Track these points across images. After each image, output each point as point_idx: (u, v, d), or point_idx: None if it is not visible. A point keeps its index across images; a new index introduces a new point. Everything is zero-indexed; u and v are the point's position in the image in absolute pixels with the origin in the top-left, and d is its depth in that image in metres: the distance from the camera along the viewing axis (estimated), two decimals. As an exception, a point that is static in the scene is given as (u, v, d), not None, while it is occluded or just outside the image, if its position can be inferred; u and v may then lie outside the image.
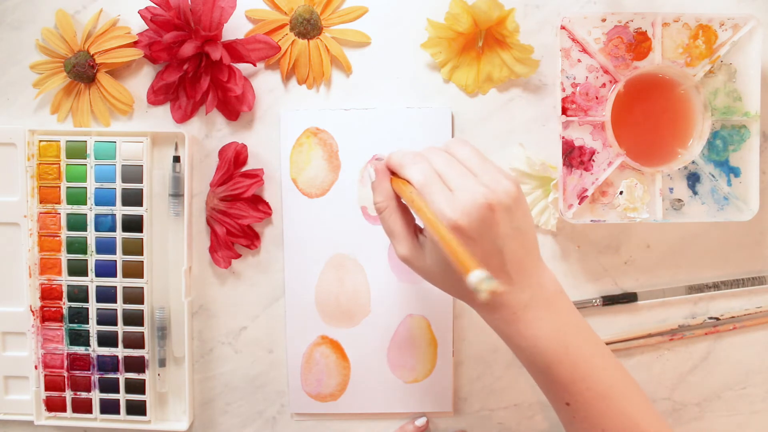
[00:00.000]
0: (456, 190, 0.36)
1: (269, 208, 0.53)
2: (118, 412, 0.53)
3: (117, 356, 0.52)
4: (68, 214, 0.52)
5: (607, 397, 0.38)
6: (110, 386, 0.52)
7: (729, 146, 0.50)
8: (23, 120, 0.53)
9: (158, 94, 0.52)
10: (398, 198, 0.40)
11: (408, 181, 0.38)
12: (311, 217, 0.53)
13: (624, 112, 0.49)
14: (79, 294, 0.52)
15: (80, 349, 0.52)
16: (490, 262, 0.36)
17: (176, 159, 0.52)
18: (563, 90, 0.49)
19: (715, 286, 0.53)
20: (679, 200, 0.50)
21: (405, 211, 0.40)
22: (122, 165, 0.52)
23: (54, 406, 0.53)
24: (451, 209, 0.35)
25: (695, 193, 0.50)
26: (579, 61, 0.50)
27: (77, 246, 0.52)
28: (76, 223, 0.52)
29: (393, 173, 0.41)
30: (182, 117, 0.53)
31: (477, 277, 0.31)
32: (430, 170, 0.37)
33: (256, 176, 0.52)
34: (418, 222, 0.40)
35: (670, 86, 0.50)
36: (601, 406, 0.38)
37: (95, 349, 0.52)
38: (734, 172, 0.50)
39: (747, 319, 0.53)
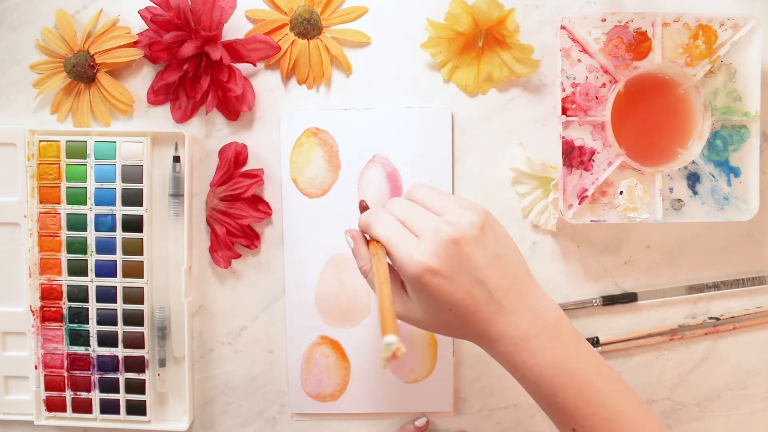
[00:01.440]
0: (421, 234, 0.36)
1: (269, 208, 0.53)
2: (118, 412, 0.53)
3: (117, 356, 0.52)
4: (68, 214, 0.52)
5: (613, 421, 0.37)
6: (110, 386, 0.52)
7: (729, 146, 0.50)
8: (23, 120, 0.53)
9: (158, 94, 0.52)
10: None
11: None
12: (311, 217, 0.53)
13: (624, 112, 0.49)
14: (79, 294, 0.52)
15: (80, 349, 0.52)
16: (476, 296, 0.36)
17: (176, 159, 0.52)
18: (563, 90, 0.49)
19: (715, 286, 0.53)
20: (679, 200, 0.50)
21: (390, 268, 0.40)
22: (122, 165, 0.52)
23: (54, 406, 0.53)
24: (419, 253, 0.35)
25: (695, 193, 0.50)
26: (579, 61, 0.50)
27: (77, 246, 0.52)
28: (76, 223, 0.52)
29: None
30: (182, 117, 0.53)
31: (383, 343, 0.32)
32: (393, 222, 0.38)
33: (256, 176, 0.52)
34: None
35: (670, 86, 0.50)
36: (607, 431, 0.37)
37: (95, 349, 0.52)
38: (734, 172, 0.50)
39: (747, 319, 0.53)
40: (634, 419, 0.38)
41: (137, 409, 0.53)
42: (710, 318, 0.53)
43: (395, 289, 0.39)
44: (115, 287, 0.52)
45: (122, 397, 0.52)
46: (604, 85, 0.50)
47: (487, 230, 0.37)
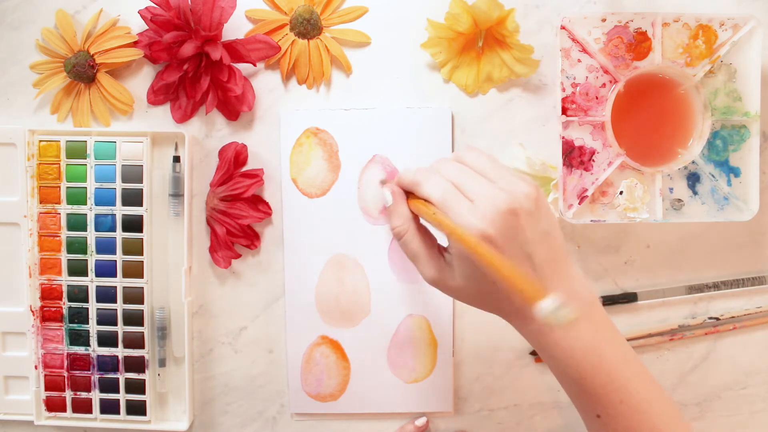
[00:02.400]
0: (476, 200, 0.35)
1: (269, 208, 0.53)
2: (118, 412, 0.53)
3: (117, 356, 0.52)
4: (68, 214, 0.52)
5: (639, 411, 0.37)
6: (110, 386, 0.52)
7: (729, 146, 0.50)
8: (23, 120, 0.53)
9: (158, 94, 0.52)
10: (416, 219, 0.39)
11: (425, 200, 0.37)
12: (311, 217, 0.53)
13: (624, 112, 0.49)
14: (79, 294, 0.52)
15: (80, 349, 0.52)
16: (521, 268, 0.35)
17: (176, 159, 0.52)
18: (563, 90, 0.49)
19: (715, 286, 0.53)
20: (679, 200, 0.50)
21: (425, 232, 0.39)
22: (122, 165, 0.52)
23: (54, 406, 0.53)
24: (476, 219, 0.34)
25: (695, 193, 0.50)
26: (579, 61, 0.50)
27: (77, 246, 0.52)
28: (76, 223, 0.52)
29: (408, 193, 0.40)
30: (182, 117, 0.53)
31: (548, 307, 0.29)
32: (447, 184, 0.36)
33: (256, 176, 0.52)
34: (441, 242, 0.39)
35: (670, 86, 0.50)
36: (633, 421, 0.37)
37: (95, 349, 0.52)
38: (734, 172, 0.50)
39: (747, 319, 0.53)
40: (661, 411, 0.37)
41: (137, 409, 0.53)
42: (710, 318, 0.53)
43: (432, 254, 0.38)
44: (115, 287, 0.52)
45: (122, 397, 0.52)
46: (604, 85, 0.50)
47: (539, 204, 0.35)
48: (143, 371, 0.52)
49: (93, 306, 0.52)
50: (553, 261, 0.36)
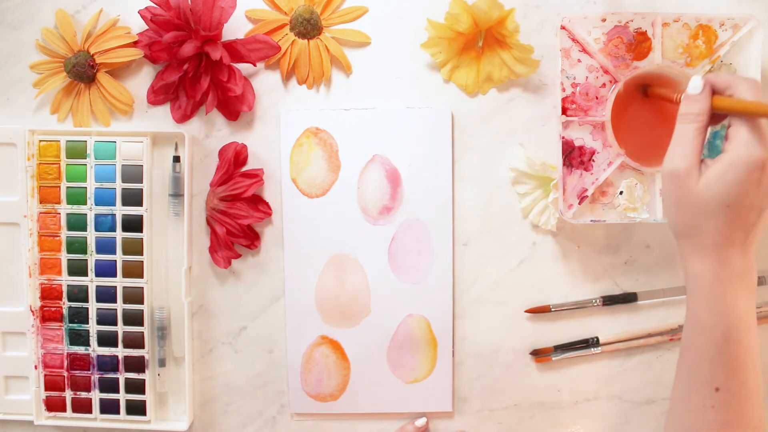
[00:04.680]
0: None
1: (269, 208, 0.53)
2: (118, 412, 0.53)
3: (117, 356, 0.52)
4: (68, 214, 0.52)
5: (752, 397, 0.38)
6: (110, 386, 0.52)
7: (729, 146, 0.50)
8: (23, 120, 0.53)
9: (158, 94, 0.52)
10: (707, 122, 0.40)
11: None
12: (311, 217, 0.53)
13: (624, 112, 0.49)
14: (79, 294, 0.52)
15: (80, 349, 0.52)
16: (749, 217, 0.37)
17: (176, 159, 0.52)
18: (563, 90, 0.50)
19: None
20: (679, 200, 0.50)
21: (703, 137, 0.40)
22: (122, 165, 0.52)
23: (54, 406, 0.53)
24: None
25: (695, 193, 0.50)
26: (579, 61, 0.50)
27: (77, 246, 0.52)
28: (76, 223, 0.52)
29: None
30: (182, 117, 0.53)
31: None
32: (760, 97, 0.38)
33: (256, 176, 0.52)
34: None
35: (670, 86, 0.50)
36: (748, 405, 0.38)
37: (95, 349, 0.52)
38: (734, 172, 0.50)
39: (747, 319, 0.53)
40: (763, 408, 0.39)
41: (137, 409, 0.53)
42: (710, 318, 0.53)
43: (696, 153, 0.39)
44: (115, 287, 0.52)
45: (122, 397, 0.52)
46: (604, 85, 0.50)
47: None
48: (143, 371, 0.52)
49: (93, 306, 0.52)
50: (762, 224, 0.38)
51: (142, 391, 0.52)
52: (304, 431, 0.54)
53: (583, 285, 0.53)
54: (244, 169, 0.53)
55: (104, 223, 0.52)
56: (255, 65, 0.52)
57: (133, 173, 0.52)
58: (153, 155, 0.53)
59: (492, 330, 0.53)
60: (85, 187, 0.52)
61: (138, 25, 0.52)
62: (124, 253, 0.52)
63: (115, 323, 0.52)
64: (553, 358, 0.53)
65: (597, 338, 0.53)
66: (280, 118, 0.53)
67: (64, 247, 0.52)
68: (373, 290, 0.53)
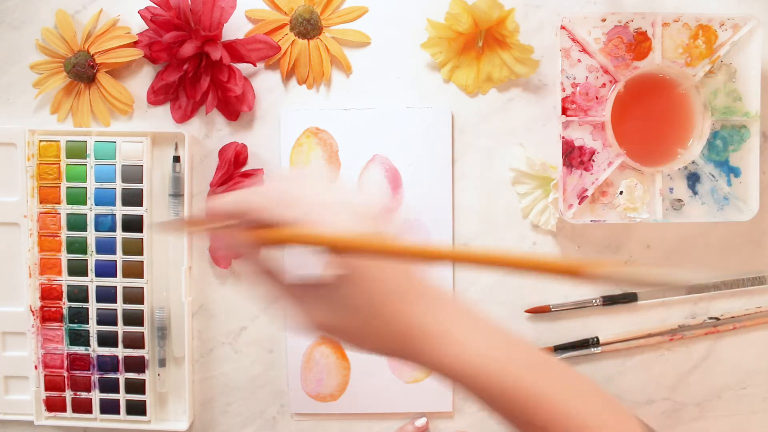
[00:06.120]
0: (335, 208, 0.31)
1: (269, 208, 0.53)
2: (118, 412, 0.53)
3: (117, 356, 0.52)
4: (68, 214, 0.52)
5: (564, 416, 0.32)
6: (110, 386, 0.52)
7: (729, 146, 0.50)
8: (23, 120, 0.53)
9: (158, 94, 0.52)
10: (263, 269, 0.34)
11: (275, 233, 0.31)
12: (311, 217, 0.53)
13: (624, 112, 0.49)
14: (79, 294, 0.52)
15: (80, 349, 0.52)
16: (409, 277, 0.32)
17: (176, 159, 0.52)
18: (563, 90, 0.49)
19: (715, 286, 0.53)
20: (679, 200, 0.50)
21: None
22: (122, 165, 0.52)
23: (54, 406, 0.53)
24: (352, 220, 0.31)
25: (695, 193, 0.50)
26: (579, 61, 0.50)
27: (77, 246, 0.52)
28: (76, 223, 0.52)
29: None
30: (182, 117, 0.53)
31: None
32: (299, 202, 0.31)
33: (256, 176, 0.52)
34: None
35: (670, 86, 0.50)
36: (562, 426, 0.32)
37: (95, 349, 0.52)
38: (734, 172, 0.50)
39: (747, 319, 0.53)
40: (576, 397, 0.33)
41: (137, 409, 0.52)
42: (710, 318, 0.53)
43: (311, 292, 0.34)
44: (115, 287, 0.52)
45: (122, 397, 0.52)
46: (604, 85, 0.50)
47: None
48: (143, 371, 0.52)
49: (93, 306, 0.52)
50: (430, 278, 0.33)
51: (142, 392, 0.52)
52: (304, 431, 0.54)
53: (583, 285, 0.53)
54: (244, 169, 0.53)
55: (104, 223, 0.52)
56: (255, 65, 0.52)
57: (133, 173, 0.52)
58: (153, 155, 0.53)
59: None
60: (85, 187, 0.52)
61: (138, 25, 0.52)
62: (124, 253, 0.52)
63: (115, 323, 0.52)
64: (553, 358, 0.53)
65: (597, 338, 0.53)
66: (280, 118, 0.53)
67: (64, 247, 0.52)
68: (373, 290, 0.53)
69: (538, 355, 0.35)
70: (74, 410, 0.53)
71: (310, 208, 0.31)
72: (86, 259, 0.52)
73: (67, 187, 0.52)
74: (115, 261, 0.52)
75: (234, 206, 0.32)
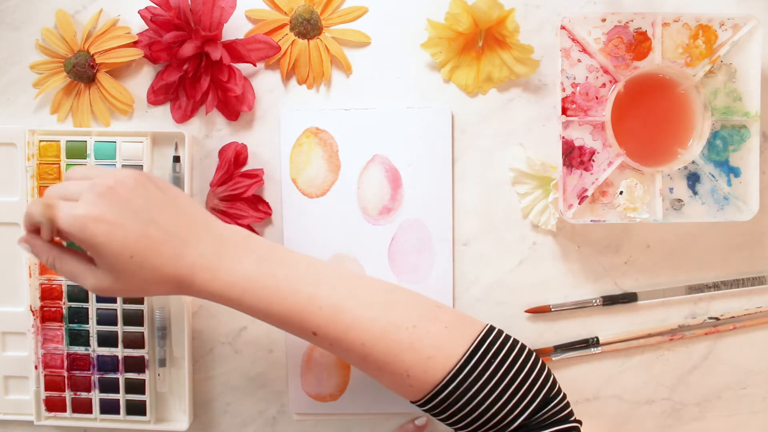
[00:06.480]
0: (79, 196, 0.37)
1: (269, 208, 0.53)
2: (118, 412, 0.53)
3: (117, 356, 0.52)
4: (68, 214, 0.52)
5: (344, 311, 0.40)
6: (110, 386, 0.52)
7: (729, 146, 0.50)
8: (23, 120, 0.53)
9: (158, 94, 0.52)
10: (58, 243, 0.41)
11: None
12: (311, 217, 0.53)
13: (624, 112, 0.49)
14: (79, 294, 0.52)
15: (80, 349, 0.52)
16: (150, 234, 0.38)
17: (176, 159, 0.52)
18: (563, 90, 0.50)
19: (715, 286, 0.53)
20: (679, 200, 0.50)
21: (74, 251, 0.40)
22: (122, 165, 0.52)
23: (54, 406, 0.53)
24: (79, 209, 0.37)
25: (695, 193, 0.50)
26: (579, 61, 0.50)
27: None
28: (76, 223, 0.52)
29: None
30: (182, 117, 0.53)
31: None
32: (50, 200, 0.38)
33: (256, 176, 0.52)
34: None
35: (670, 86, 0.50)
36: (342, 333, 0.40)
37: (95, 349, 0.52)
38: (734, 172, 0.50)
39: (747, 319, 0.53)
40: (363, 299, 0.41)
41: (137, 409, 0.52)
42: (710, 318, 0.53)
43: (84, 264, 0.39)
44: (115, 287, 0.52)
45: (122, 397, 0.52)
46: (604, 85, 0.50)
47: (143, 181, 0.39)
48: (143, 371, 0.52)
49: (93, 306, 0.52)
50: (188, 221, 0.40)
51: (142, 392, 0.52)
52: (304, 431, 0.54)
53: (583, 285, 0.53)
54: (244, 169, 0.53)
55: (104, 223, 0.52)
56: (255, 65, 0.52)
57: (133, 173, 0.52)
58: (153, 155, 0.53)
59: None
60: (85, 187, 0.52)
61: (138, 25, 0.52)
62: (124, 253, 0.52)
63: (115, 323, 0.52)
64: (553, 358, 0.53)
65: (597, 338, 0.53)
66: (280, 118, 0.53)
67: (64, 247, 0.52)
68: (373, 290, 0.53)
69: (330, 269, 0.42)
70: (74, 410, 0.53)
71: (57, 203, 0.37)
72: (86, 259, 0.52)
73: (67, 187, 0.52)
74: (115, 261, 0.52)
75: (24, 218, 0.39)
